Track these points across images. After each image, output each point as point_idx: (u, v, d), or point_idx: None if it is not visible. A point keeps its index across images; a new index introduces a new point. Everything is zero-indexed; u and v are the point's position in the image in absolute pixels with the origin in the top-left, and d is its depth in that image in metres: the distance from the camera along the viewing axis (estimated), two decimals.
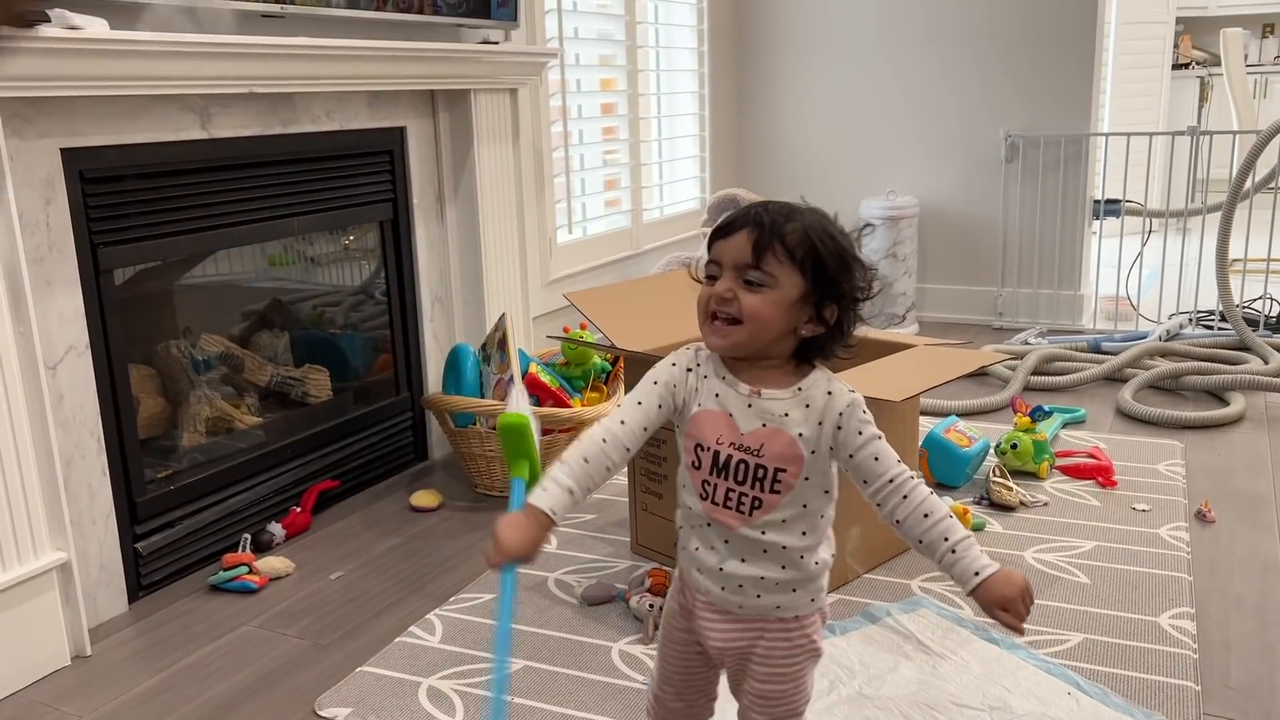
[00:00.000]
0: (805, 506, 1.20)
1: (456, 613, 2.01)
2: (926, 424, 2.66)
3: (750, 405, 1.21)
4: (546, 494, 1.16)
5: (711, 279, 1.21)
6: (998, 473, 2.52)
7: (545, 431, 2.61)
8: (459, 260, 2.96)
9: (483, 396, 2.67)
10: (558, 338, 2.62)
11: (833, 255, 1.19)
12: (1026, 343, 3.85)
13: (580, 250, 3.64)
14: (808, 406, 1.21)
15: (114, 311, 2.04)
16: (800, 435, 1.20)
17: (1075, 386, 3.40)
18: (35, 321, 1.81)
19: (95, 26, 1.77)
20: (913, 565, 2.14)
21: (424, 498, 2.59)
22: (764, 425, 1.20)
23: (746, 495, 1.20)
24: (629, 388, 2.21)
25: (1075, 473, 2.61)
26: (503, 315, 2.68)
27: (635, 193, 3.94)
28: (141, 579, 2.13)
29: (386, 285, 2.82)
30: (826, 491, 1.22)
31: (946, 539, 1.16)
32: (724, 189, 3.65)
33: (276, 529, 2.35)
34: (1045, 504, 2.45)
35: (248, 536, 2.30)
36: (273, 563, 2.20)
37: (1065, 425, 3.02)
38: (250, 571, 2.16)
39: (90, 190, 1.96)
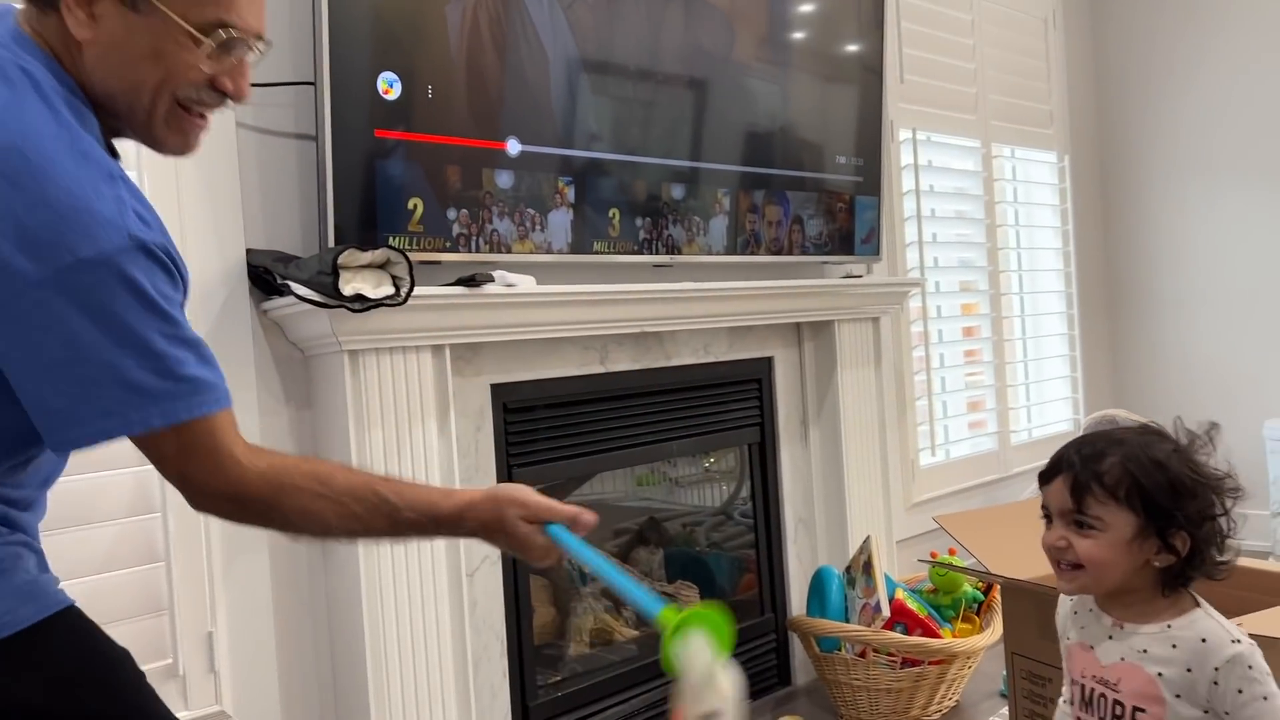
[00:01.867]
0: None
1: None
2: None
3: (1111, 638, 1.16)
4: None
5: (1047, 519, 1.19)
6: None
7: (913, 662, 2.52)
8: (822, 482, 3.02)
9: (848, 620, 2.64)
10: (927, 562, 2.56)
11: (1162, 486, 1.13)
12: None
13: (944, 473, 3.58)
14: (1174, 647, 1.12)
15: None
16: (1160, 675, 1.11)
17: None
18: None
19: (525, 283, 2.11)
20: None
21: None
22: (1123, 659, 1.14)
23: None
24: (1006, 617, 2.10)
25: None
26: (867, 538, 2.68)
27: (1001, 414, 3.84)
28: None
29: (752, 505, 2.92)
30: None
31: None
32: (1101, 410, 3.46)
33: None
34: None
35: None
36: None
37: None
38: None
39: (511, 419, 2.27)
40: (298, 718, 1.97)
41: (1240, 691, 1.10)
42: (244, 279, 1.92)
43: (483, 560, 2.20)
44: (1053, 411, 4.18)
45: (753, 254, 2.72)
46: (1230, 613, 1.72)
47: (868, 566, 2.66)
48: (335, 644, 2.00)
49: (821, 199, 2.90)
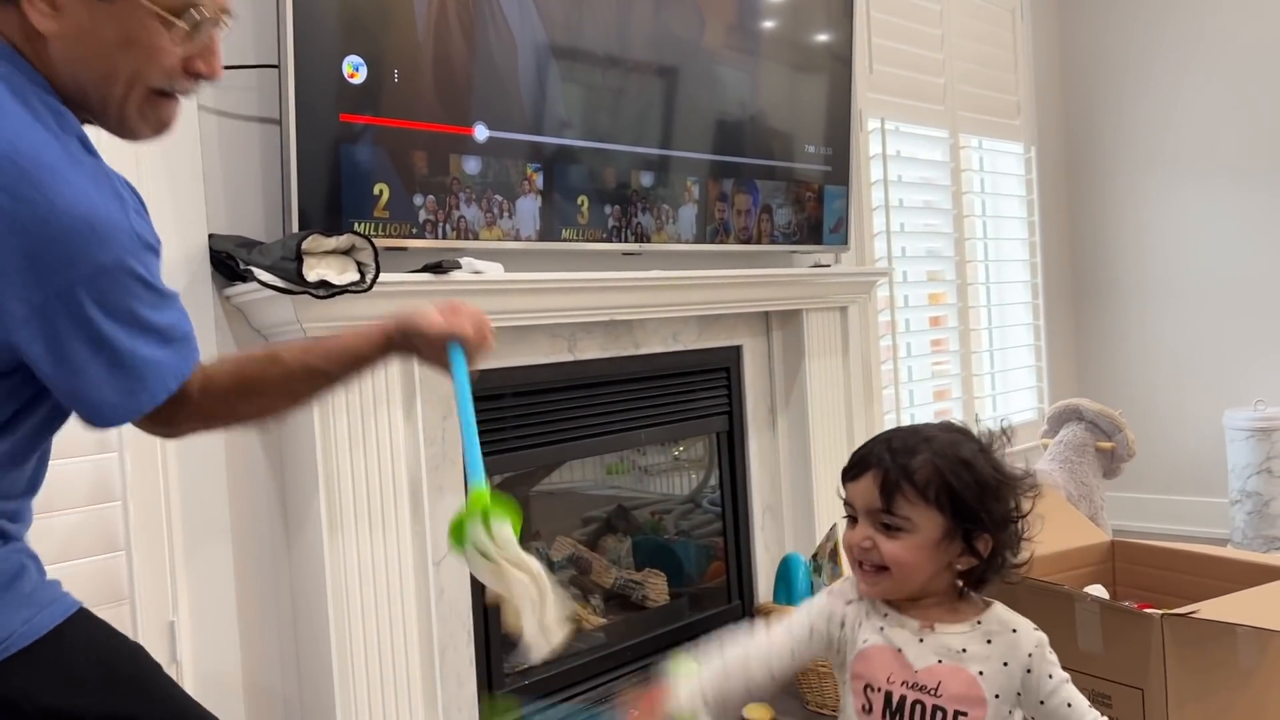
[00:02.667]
0: None
1: None
2: None
3: (922, 640, 1.12)
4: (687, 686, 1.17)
5: (851, 519, 1.15)
6: None
7: None
8: (789, 470, 3.04)
9: None
10: None
11: (970, 486, 1.10)
12: None
13: None
14: (989, 642, 1.11)
15: None
16: (981, 674, 1.09)
17: None
18: (429, 521, 2.07)
19: (493, 270, 2.09)
20: None
21: (756, 710, 2.57)
22: (940, 661, 1.10)
23: None
24: None
25: None
26: (834, 526, 2.69)
27: (967, 403, 3.87)
28: None
29: (720, 494, 2.93)
30: None
31: None
32: (1064, 399, 3.50)
33: None
34: None
35: None
36: None
37: None
38: None
39: (478, 407, 2.25)
40: (262, 707, 1.96)
41: (1050, 676, 1.11)
42: (206, 264, 1.89)
43: (449, 549, 2.18)
44: (1018, 400, 4.23)
45: (722, 243, 2.72)
46: (1190, 599, 1.75)
47: (834, 554, 2.68)
48: (300, 632, 1.98)
49: (790, 188, 2.91)
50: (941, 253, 3.81)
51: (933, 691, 1.10)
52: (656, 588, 2.80)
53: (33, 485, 1.08)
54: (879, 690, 1.12)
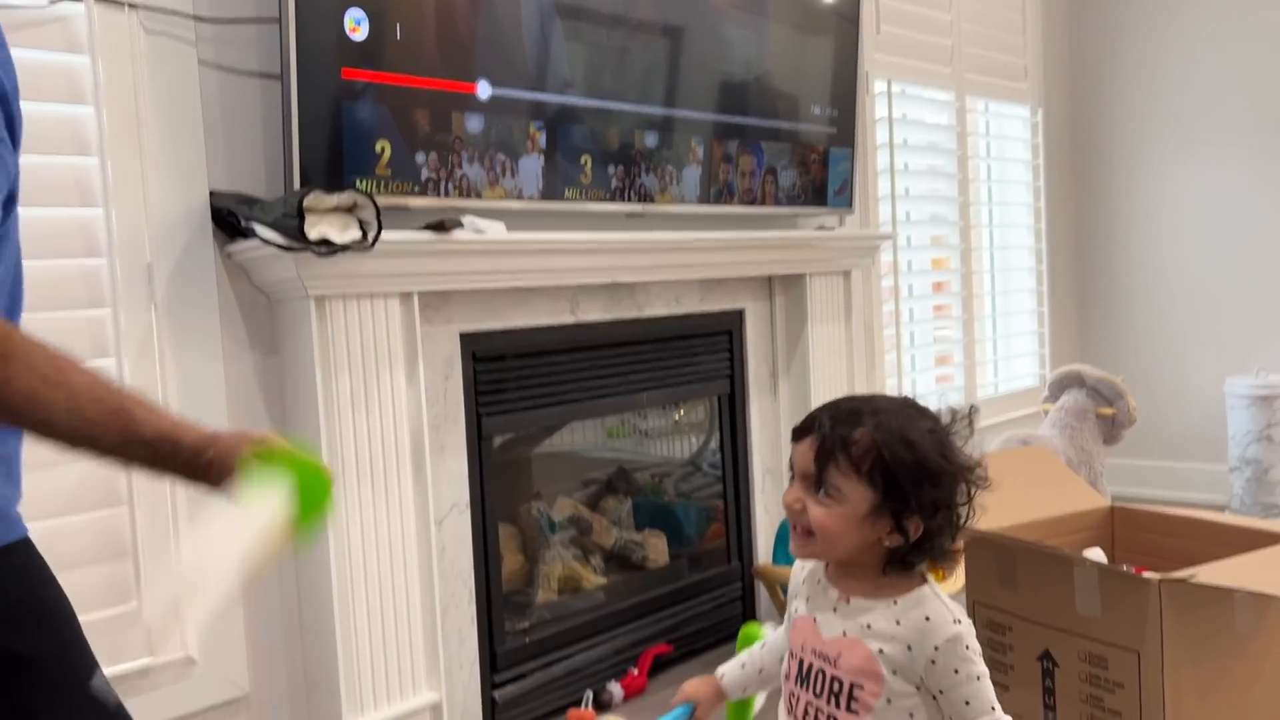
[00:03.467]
0: None
1: None
2: None
3: (836, 610, 1.12)
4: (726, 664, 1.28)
5: (792, 476, 1.15)
6: None
7: None
8: (790, 434, 3.03)
9: None
10: None
11: (906, 466, 1.07)
12: None
13: None
14: (898, 624, 1.10)
15: (491, 474, 2.29)
16: (881, 652, 1.08)
17: None
18: (431, 480, 2.08)
19: (495, 230, 2.08)
20: None
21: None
22: (844, 634, 1.11)
23: (823, 712, 1.11)
24: (968, 567, 2.14)
25: None
26: None
27: (969, 369, 3.87)
28: None
29: (721, 456, 2.94)
30: None
31: None
32: (1065, 365, 3.50)
33: (615, 688, 2.45)
34: None
35: (589, 693, 2.41)
36: None
37: None
38: None
39: (480, 368, 2.26)
40: (264, 663, 1.97)
41: (956, 671, 1.08)
42: (207, 221, 1.88)
43: (450, 508, 2.19)
44: (1020, 366, 4.23)
45: (726, 204, 2.70)
46: (1188, 564, 1.76)
47: None
48: (302, 589, 2.00)
49: (795, 150, 2.88)
50: (946, 217, 3.79)
51: (832, 662, 1.11)
52: (657, 548, 2.82)
53: None
54: (795, 657, 1.16)
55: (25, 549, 1.01)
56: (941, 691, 1.09)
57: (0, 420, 0.90)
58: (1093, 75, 4.36)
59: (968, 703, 1.08)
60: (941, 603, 1.12)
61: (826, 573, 1.18)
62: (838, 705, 1.10)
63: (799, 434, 1.15)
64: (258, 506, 0.95)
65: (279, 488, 0.96)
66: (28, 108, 1.02)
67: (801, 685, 1.13)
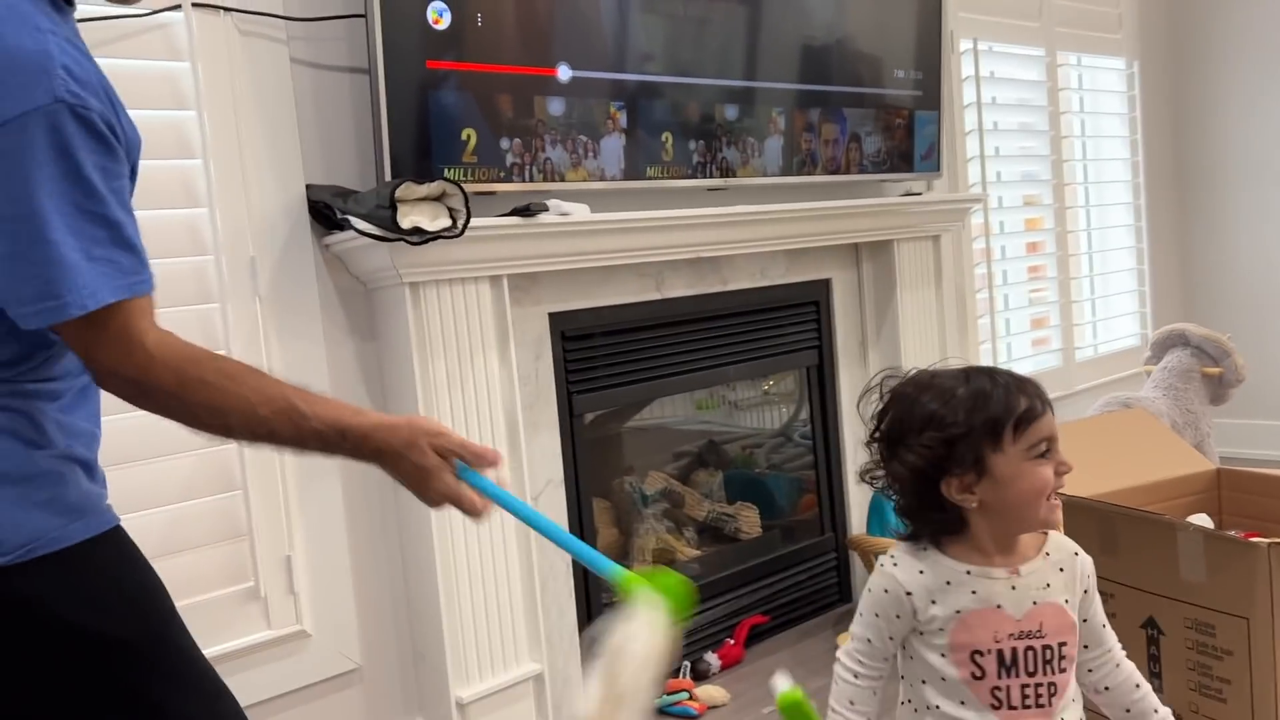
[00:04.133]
0: (1072, 680, 1.14)
1: None
2: None
3: (1015, 588, 1.13)
4: None
5: (1046, 452, 1.14)
6: None
7: None
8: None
9: None
10: None
11: None
12: None
13: None
14: (1062, 570, 1.15)
15: (583, 450, 2.34)
16: (1066, 601, 1.14)
17: None
18: (525, 458, 2.13)
19: (580, 212, 2.11)
20: None
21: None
22: (1034, 604, 1.12)
23: (1043, 685, 1.12)
24: (1066, 534, 2.10)
25: None
26: None
27: (1066, 331, 3.78)
28: None
29: (811, 427, 2.93)
30: None
31: (1156, 710, 1.17)
32: (1169, 324, 3.39)
33: (712, 659, 2.49)
34: None
35: (687, 664, 2.45)
36: (711, 691, 2.32)
37: None
38: (691, 698, 2.30)
39: (569, 347, 2.30)
40: (373, 636, 2.06)
41: (1097, 595, 1.19)
42: (305, 214, 1.96)
43: (546, 484, 2.25)
44: (1120, 326, 4.10)
45: (809, 174, 2.68)
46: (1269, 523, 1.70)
47: None
48: (408, 565, 2.07)
49: (879, 115, 2.84)
50: (1039, 176, 3.69)
51: (1039, 634, 1.12)
52: (749, 520, 2.83)
53: (82, 391, 1.06)
54: (989, 652, 1.12)
55: (116, 538, 1.06)
56: (1085, 620, 1.18)
57: (185, 424, 1.03)
58: (1192, 21, 4.17)
59: (1104, 625, 1.20)
60: (1066, 538, 1.21)
61: (972, 561, 1.14)
62: (1052, 671, 1.13)
63: (1043, 407, 1.16)
64: (648, 625, 1.02)
65: (659, 604, 1.04)
66: (137, 114, 1.08)
67: (1009, 674, 1.12)
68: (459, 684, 2.01)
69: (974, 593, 1.13)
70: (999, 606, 1.12)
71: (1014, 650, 1.11)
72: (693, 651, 2.52)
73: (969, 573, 1.13)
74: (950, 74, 3.15)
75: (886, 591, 1.16)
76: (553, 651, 2.24)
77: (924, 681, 1.16)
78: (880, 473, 1.20)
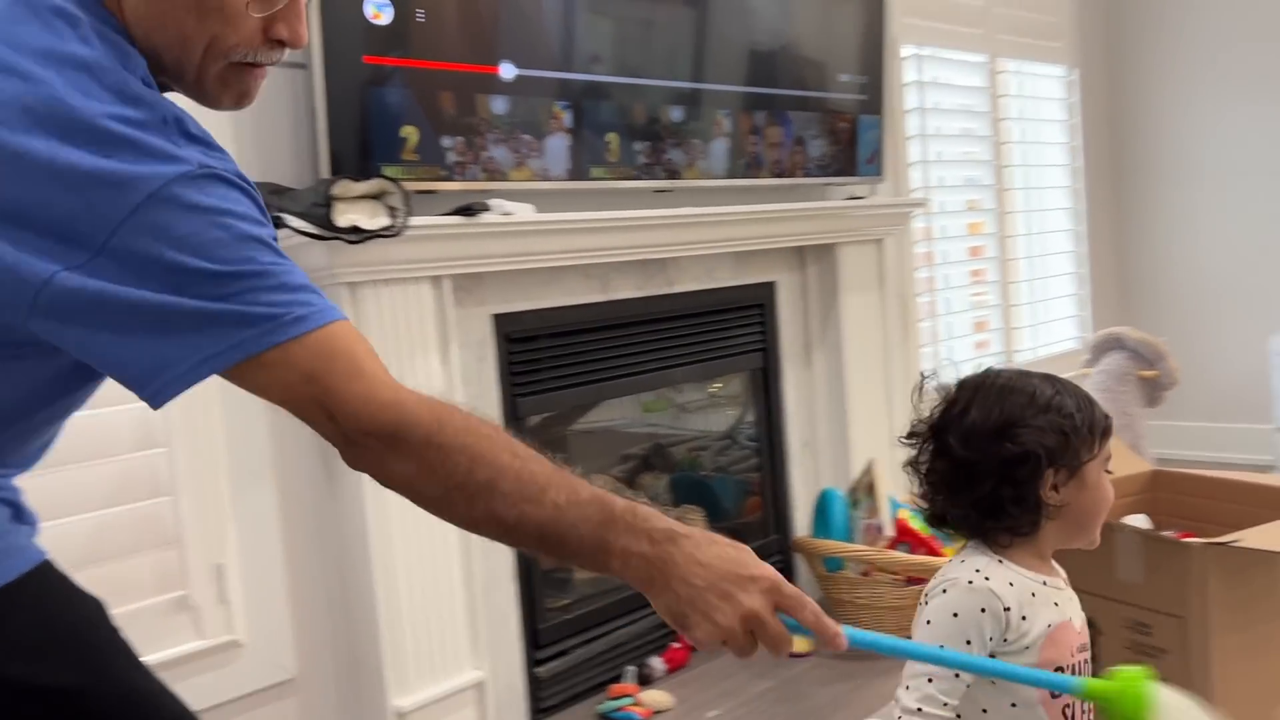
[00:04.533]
0: None
1: None
2: None
3: (1073, 599, 1.12)
4: None
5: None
6: None
7: (917, 580, 2.55)
8: (825, 405, 3.03)
9: (852, 541, 2.67)
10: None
11: None
12: None
13: None
14: (1065, 579, 1.16)
15: None
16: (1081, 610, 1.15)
17: None
18: None
19: (523, 212, 2.08)
20: None
21: (797, 642, 2.59)
22: (1073, 616, 1.12)
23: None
24: None
25: None
26: (870, 461, 2.69)
27: (1007, 334, 3.83)
28: (540, 702, 2.32)
29: (756, 429, 2.93)
30: None
31: None
32: (1106, 328, 3.45)
33: (658, 663, 2.47)
34: None
35: (632, 668, 2.43)
36: (655, 696, 2.31)
37: None
38: (635, 703, 2.28)
39: (513, 349, 2.27)
40: (309, 645, 2.01)
41: None
42: None
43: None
44: (1059, 330, 4.17)
45: (754, 177, 2.68)
46: (1233, 528, 1.74)
47: (871, 488, 2.68)
48: (344, 571, 2.03)
49: (824, 119, 2.85)
50: (980, 181, 3.73)
51: (1086, 645, 1.11)
52: (694, 524, 2.82)
53: (45, 444, 0.99)
54: (1067, 668, 1.07)
55: (40, 574, 0.96)
56: None
57: (448, 492, 0.89)
58: (1130, 29, 4.26)
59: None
60: None
61: (1034, 571, 1.10)
62: None
63: (1110, 431, 1.14)
64: None
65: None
66: None
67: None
68: (398, 693, 1.97)
69: (1055, 605, 1.07)
70: (1070, 619, 1.09)
71: (1078, 664, 1.08)
72: (638, 656, 2.50)
73: (1045, 583, 1.08)
74: (893, 79, 3.17)
75: (984, 610, 1.04)
76: (495, 658, 2.21)
77: (985, 711, 1.05)
78: (937, 464, 1.10)
